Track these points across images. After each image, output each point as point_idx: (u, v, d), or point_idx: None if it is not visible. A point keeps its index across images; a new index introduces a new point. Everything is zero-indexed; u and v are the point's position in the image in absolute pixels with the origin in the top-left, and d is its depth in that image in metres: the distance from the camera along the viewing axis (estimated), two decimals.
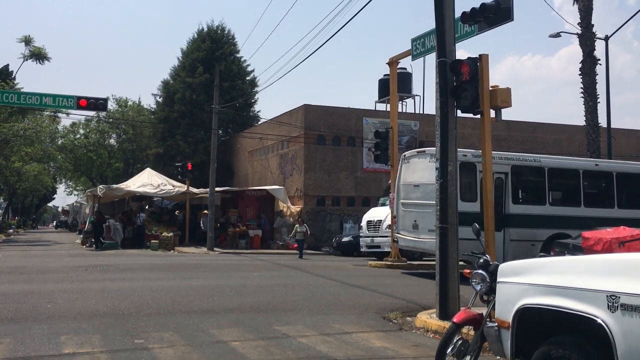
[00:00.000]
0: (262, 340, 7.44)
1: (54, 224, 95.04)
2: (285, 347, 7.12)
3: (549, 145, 36.00)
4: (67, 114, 34.36)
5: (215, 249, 26.78)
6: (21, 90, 30.14)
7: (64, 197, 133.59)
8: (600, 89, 22.22)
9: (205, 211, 30.98)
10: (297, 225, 24.43)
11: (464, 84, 9.29)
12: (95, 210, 30.01)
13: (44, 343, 7.02)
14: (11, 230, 50.73)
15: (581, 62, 21.99)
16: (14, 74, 39.85)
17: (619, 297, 3.72)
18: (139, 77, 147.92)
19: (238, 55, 46.12)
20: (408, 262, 19.58)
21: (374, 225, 22.36)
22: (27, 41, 30.97)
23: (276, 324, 8.48)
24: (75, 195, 70.88)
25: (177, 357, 6.54)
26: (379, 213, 22.41)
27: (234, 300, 10.64)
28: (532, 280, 4.47)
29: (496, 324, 4.89)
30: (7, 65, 40.84)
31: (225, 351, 6.84)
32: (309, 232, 24.73)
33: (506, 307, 4.71)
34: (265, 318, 8.97)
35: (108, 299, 10.37)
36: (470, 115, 10.89)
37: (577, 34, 22.07)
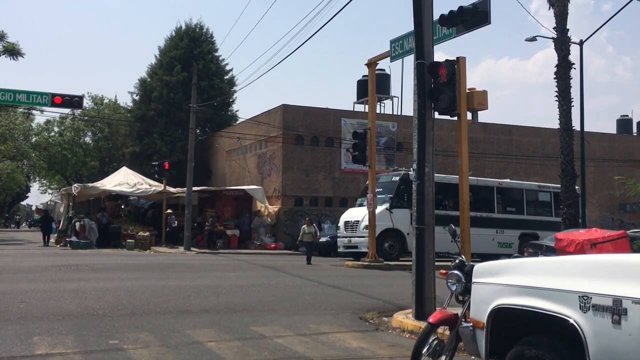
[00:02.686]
0: (239, 341, 7.41)
1: (27, 222, 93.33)
2: (262, 347, 7.11)
3: (524, 147, 36.48)
4: (42, 111, 33.79)
5: (192, 248, 26.62)
6: None
7: (37, 196, 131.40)
8: (575, 92, 22.54)
9: (169, 210, 30.91)
10: (304, 226, 21.70)
11: (441, 86, 9.37)
12: (42, 210, 29.82)
13: (16, 344, 6.90)
14: None
15: (556, 66, 22.24)
16: None
17: (591, 297, 3.78)
18: (115, 75, 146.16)
19: (216, 54, 45.88)
20: (385, 262, 19.69)
21: (352, 225, 22.44)
22: (1, 37, 30.36)
23: (253, 325, 8.45)
24: (49, 194, 69.73)
25: (152, 358, 6.48)
26: (357, 213, 22.49)
27: (210, 301, 10.59)
28: (507, 281, 4.52)
29: (471, 324, 4.93)
30: None
31: (200, 352, 6.80)
32: (318, 234, 22.26)
33: (481, 307, 4.75)
34: (242, 318, 8.93)
35: (82, 299, 10.23)
36: (447, 117, 11.00)
37: (552, 38, 22.32)
